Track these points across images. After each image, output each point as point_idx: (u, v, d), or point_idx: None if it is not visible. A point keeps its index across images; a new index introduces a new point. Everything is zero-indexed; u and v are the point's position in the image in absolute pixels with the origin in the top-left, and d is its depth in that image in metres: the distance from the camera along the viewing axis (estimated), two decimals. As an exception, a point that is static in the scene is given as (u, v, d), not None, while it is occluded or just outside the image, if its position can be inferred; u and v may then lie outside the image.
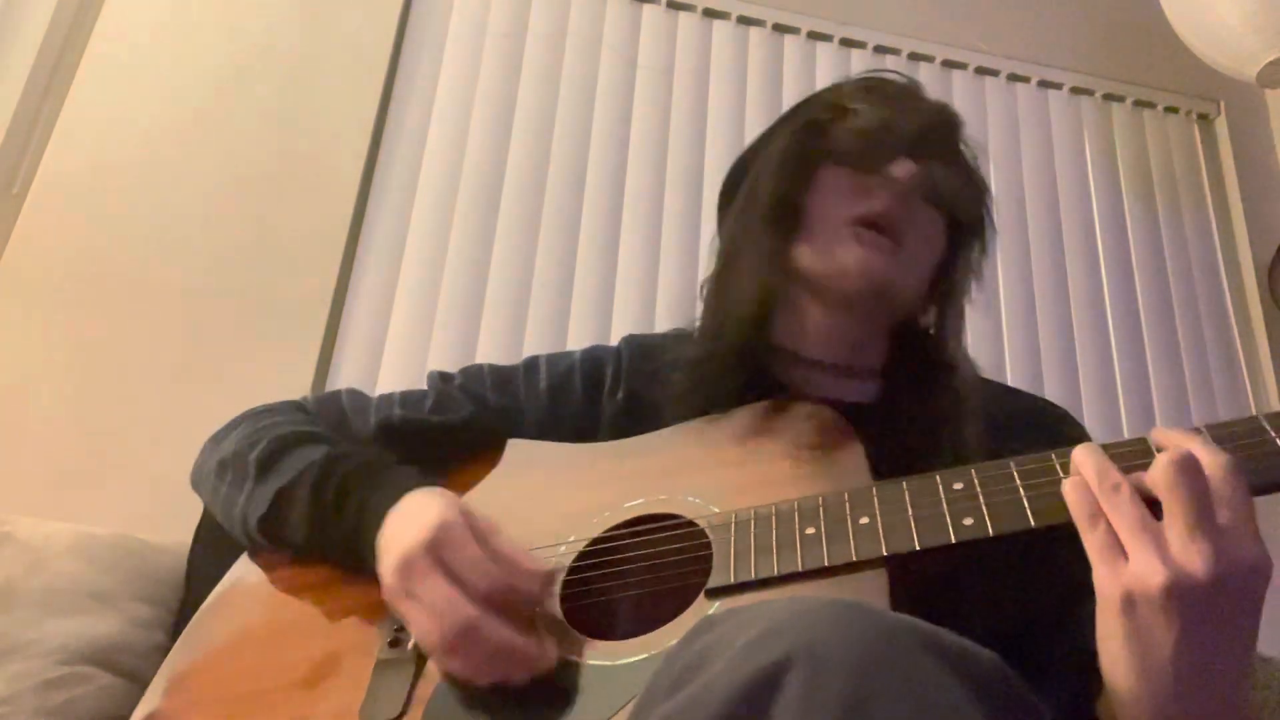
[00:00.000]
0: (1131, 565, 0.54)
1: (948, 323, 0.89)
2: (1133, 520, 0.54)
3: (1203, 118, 2.27)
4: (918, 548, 0.63)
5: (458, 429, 0.90)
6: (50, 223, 1.62)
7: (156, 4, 1.81)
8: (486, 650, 0.65)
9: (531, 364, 0.96)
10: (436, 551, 0.68)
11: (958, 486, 0.65)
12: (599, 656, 0.66)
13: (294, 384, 1.57)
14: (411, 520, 0.72)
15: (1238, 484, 0.55)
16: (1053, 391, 1.89)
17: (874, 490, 0.68)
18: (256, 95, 1.78)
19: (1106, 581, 0.55)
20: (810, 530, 0.67)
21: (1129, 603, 0.54)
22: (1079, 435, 0.90)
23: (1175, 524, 0.53)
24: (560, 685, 0.65)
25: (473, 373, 0.96)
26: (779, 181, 0.87)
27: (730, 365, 0.85)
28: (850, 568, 0.64)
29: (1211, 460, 0.55)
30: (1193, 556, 0.52)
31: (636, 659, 0.64)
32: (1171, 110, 2.25)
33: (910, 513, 0.65)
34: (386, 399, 0.95)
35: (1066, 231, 2.06)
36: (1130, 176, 2.15)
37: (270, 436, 0.86)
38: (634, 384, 0.92)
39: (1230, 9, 1.79)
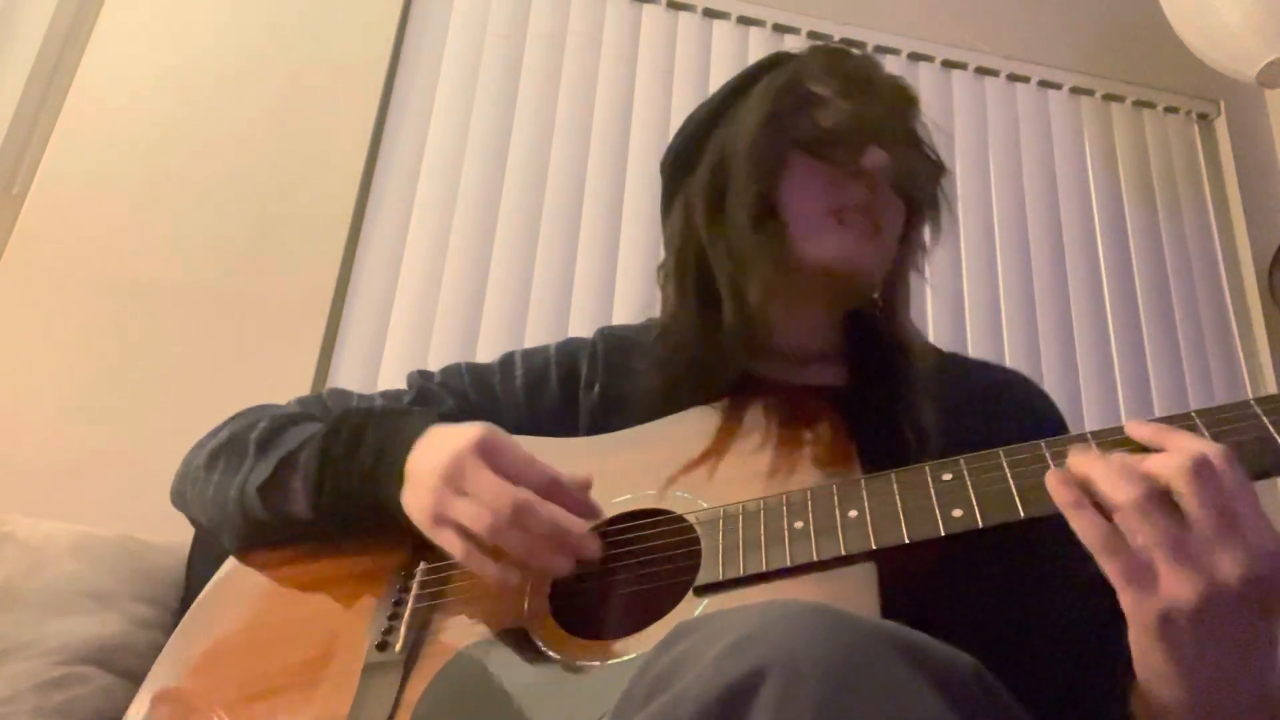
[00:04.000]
0: (1164, 585, 0.53)
1: (896, 296, 0.89)
2: (1163, 538, 0.53)
3: (1203, 118, 2.27)
4: (907, 540, 0.62)
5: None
6: (50, 223, 1.63)
7: (156, 4, 1.81)
8: (541, 526, 0.67)
9: (507, 360, 0.96)
10: (484, 452, 0.70)
11: (947, 478, 0.64)
12: (588, 656, 0.66)
13: (294, 384, 1.57)
14: (449, 437, 0.73)
15: (1241, 474, 0.54)
16: (1053, 392, 1.87)
17: (863, 483, 0.67)
18: (256, 95, 1.78)
19: (1139, 605, 0.54)
20: (799, 524, 0.66)
21: (1167, 622, 0.53)
22: (1045, 408, 0.92)
23: (1202, 533, 0.52)
24: (549, 686, 0.65)
25: (452, 371, 0.96)
26: (758, 180, 0.84)
27: (708, 369, 0.85)
28: (839, 562, 0.64)
29: (1214, 454, 0.54)
30: (1224, 564, 0.52)
31: (625, 659, 0.64)
32: (1171, 110, 2.25)
33: (899, 505, 0.64)
34: (367, 397, 0.95)
35: (1066, 231, 2.05)
36: (1130, 176, 2.15)
37: (269, 417, 0.86)
38: (610, 377, 0.91)
39: (1230, 9, 1.79)
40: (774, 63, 0.92)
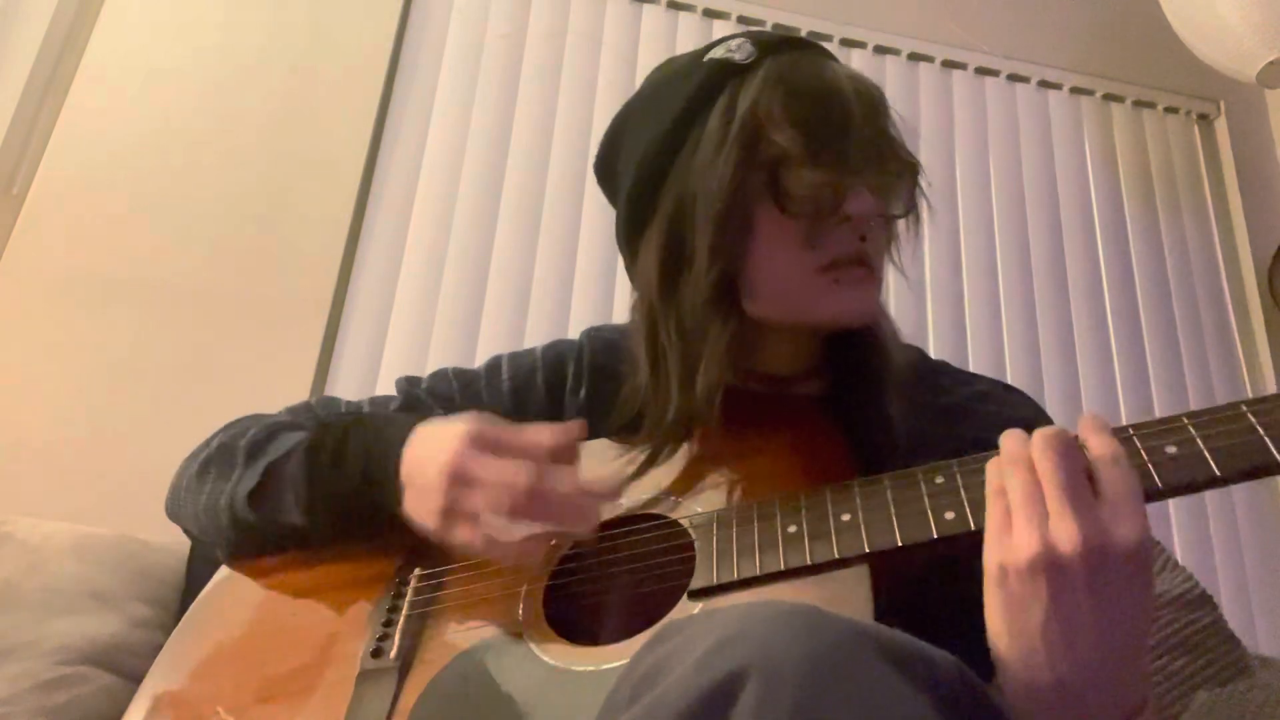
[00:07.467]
0: (1013, 538, 0.55)
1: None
2: (1022, 495, 0.55)
3: (1203, 118, 2.27)
4: (900, 543, 0.62)
5: None
6: (50, 223, 1.63)
7: (156, 4, 1.81)
8: (556, 492, 0.68)
9: (494, 364, 0.95)
10: (479, 442, 0.71)
11: (939, 481, 0.64)
12: (582, 662, 0.66)
13: (294, 384, 1.57)
14: (439, 436, 0.73)
15: (1123, 470, 0.55)
16: (1052, 392, 1.89)
17: (856, 487, 0.67)
18: (257, 95, 1.78)
19: (988, 552, 0.56)
20: (792, 528, 0.66)
21: (1002, 573, 0.55)
22: (1024, 415, 0.87)
23: (1049, 500, 0.55)
24: (543, 691, 0.65)
25: (440, 376, 0.95)
26: (721, 258, 0.77)
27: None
28: (833, 565, 0.64)
29: (1102, 444, 0.57)
30: (1062, 533, 0.53)
31: (618, 664, 0.64)
32: (1171, 110, 2.25)
33: (892, 508, 0.64)
34: (355, 403, 0.94)
35: (1066, 231, 2.06)
36: (1130, 176, 2.15)
37: (258, 426, 0.86)
38: (596, 380, 0.90)
39: (1230, 9, 1.79)
40: (719, 77, 0.83)
